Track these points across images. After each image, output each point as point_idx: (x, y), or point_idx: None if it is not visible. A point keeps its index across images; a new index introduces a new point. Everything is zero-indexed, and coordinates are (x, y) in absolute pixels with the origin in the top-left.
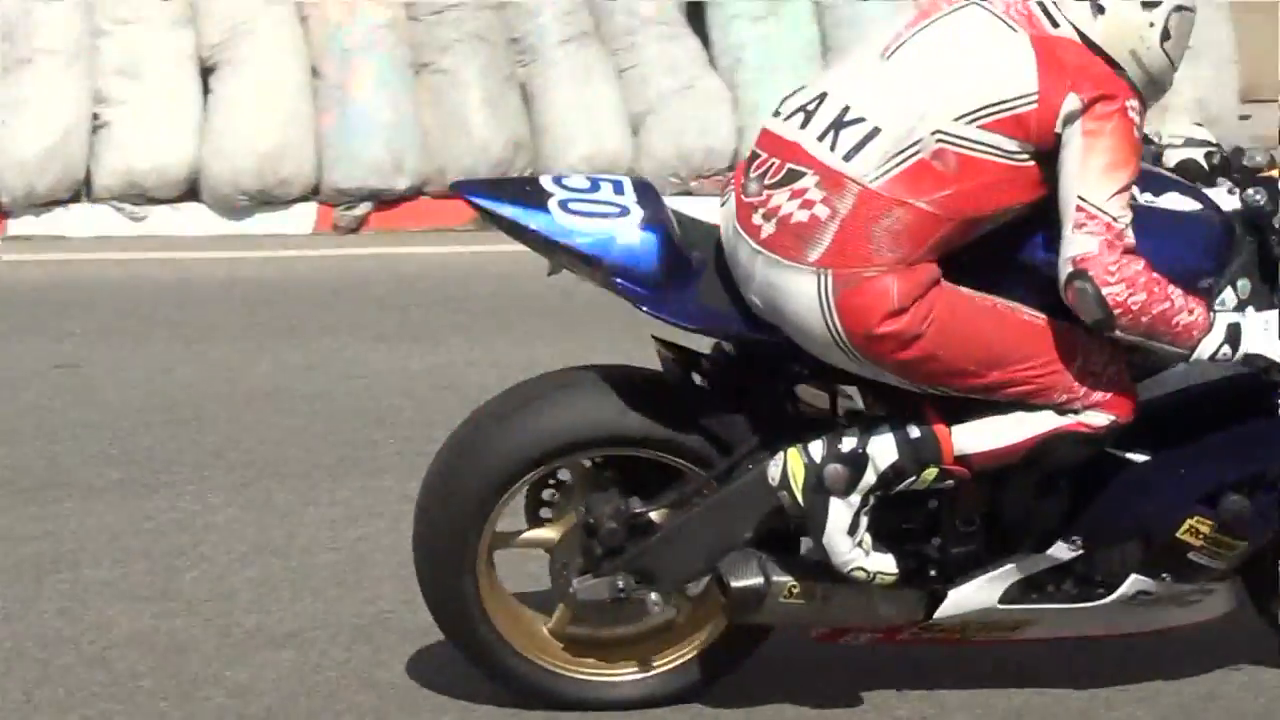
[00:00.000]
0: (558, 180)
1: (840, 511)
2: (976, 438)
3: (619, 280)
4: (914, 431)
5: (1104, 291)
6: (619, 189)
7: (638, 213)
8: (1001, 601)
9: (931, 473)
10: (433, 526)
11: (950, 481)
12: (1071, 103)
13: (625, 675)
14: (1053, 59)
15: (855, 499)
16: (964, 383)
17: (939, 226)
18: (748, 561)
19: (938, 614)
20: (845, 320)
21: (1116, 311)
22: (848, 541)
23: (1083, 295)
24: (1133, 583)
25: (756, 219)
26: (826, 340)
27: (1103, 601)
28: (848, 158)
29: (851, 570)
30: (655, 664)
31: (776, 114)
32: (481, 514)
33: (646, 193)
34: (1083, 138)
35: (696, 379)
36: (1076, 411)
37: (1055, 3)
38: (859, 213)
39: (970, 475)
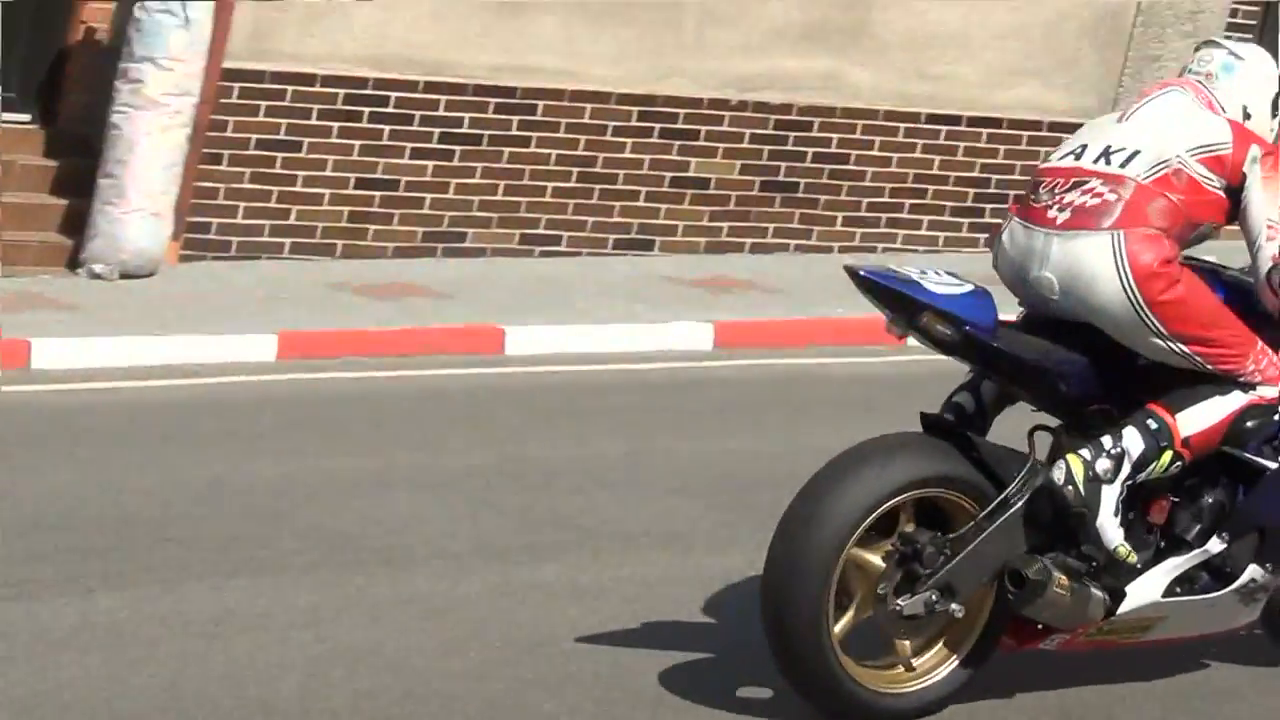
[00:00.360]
0: (900, 266)
1: (1109, 497)
2: (1193, 419)
3: (970, 330)
4: (1152, 423)
5: None
6: (937, 272)
7: (967, 285)
8: (1163, 595)
9: (1166, 457)
10: (795, 561)
11: (1177, 465)
12: (1254, 150)
13: (912, 686)
14: (1236, 125)
15: (1118, 486)
16: (1200, 331)
17: (1180, 218)
18: (1034, 560)
19: (1120, 609)
20: (1133, 262)
21: None
22: (1114, 522)
23: None
24: (1249, 572)
25: (1051, 213)
26: (1114, 286)
27: (1224, 591)
28: (1123, 166)
29: (1116, 548)
30: (926, 673)
31: (1046, 160)
32: (841, 546)
33: (957, 274)
34: (1263, 176)
35: (970, 437)
36: (1254, 386)
37: (1221, 104)
38: (1137, 196)
39: (1190, 459)
